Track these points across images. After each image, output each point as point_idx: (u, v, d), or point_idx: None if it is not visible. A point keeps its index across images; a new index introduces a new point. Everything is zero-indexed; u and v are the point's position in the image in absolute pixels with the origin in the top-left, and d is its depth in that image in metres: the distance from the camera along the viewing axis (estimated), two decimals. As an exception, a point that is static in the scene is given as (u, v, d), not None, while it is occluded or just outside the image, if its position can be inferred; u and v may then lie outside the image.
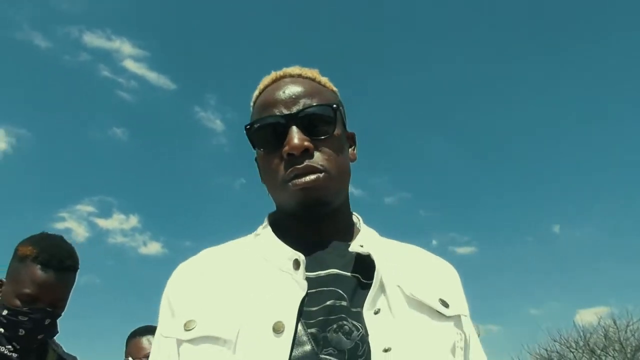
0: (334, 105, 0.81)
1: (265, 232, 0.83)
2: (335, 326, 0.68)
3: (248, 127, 0.83)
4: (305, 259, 0.73)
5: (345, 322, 0.69)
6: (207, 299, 0.73)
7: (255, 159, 0.89)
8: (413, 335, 0.70)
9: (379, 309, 0.71)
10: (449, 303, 0.77)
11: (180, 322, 0.73)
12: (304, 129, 0.79)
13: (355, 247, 0.78)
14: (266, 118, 0.80)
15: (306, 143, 0.78)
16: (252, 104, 0.88)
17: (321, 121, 0.80)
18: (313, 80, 0.85)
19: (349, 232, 0.86)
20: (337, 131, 0.82)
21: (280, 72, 0.86)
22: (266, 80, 0.87)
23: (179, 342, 0.72)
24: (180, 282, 0.80)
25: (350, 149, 0.89)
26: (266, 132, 0.81)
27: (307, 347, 0.65)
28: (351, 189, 0.87)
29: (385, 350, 0.66)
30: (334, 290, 0.72)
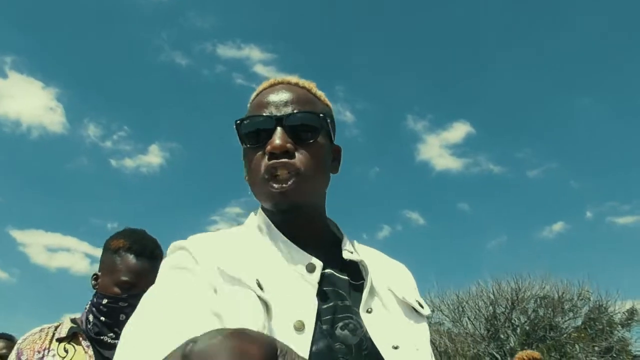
0: (321, 115, 0.87)
1: (271, 230, 0.87)
2: (342, 324, 0.76)
3: (238, 122, 0.87)
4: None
5: (350, 320, 0.77)
6: (232, 289, 0.74)
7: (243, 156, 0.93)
8: (411, 333, 0.81)
9: (372, 309, 0.81)
10: (422, 305, 0.88)
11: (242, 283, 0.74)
12: (289, 132, 0.83)
13: (346, 253, 0.86)
14: (256, 117, 0.85)
15: (288, 145, 0.82)
16: (248, 104, 0.92)
17: (306, 127, 0.85)
18: (308, 90, 0.90)
19: (332, 237, 0.93)
20: (320, 140, 0.87)
21: (278, 79, 0.91)
22: (265, 84, 0.91)
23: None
24: (212, 250, 0.79)
25: (333, 162, 0.94)
26: (254, 130, 0.85)
27: (323, 343, 0.72)
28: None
29: (395, 348, 0.76)
30: (336, 291, 0.81)
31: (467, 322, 17.13)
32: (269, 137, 0.83)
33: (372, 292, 0.83)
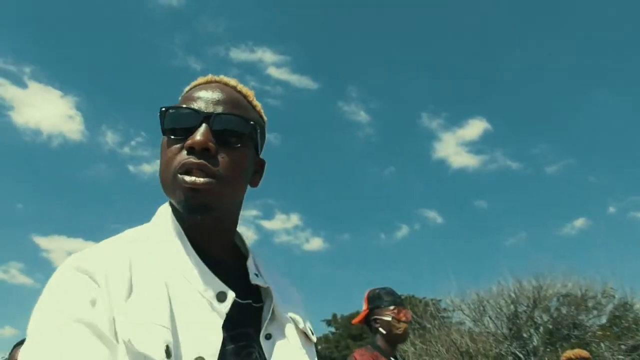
0: (252, 122, 0.82)
1: (183, 241, 0.80)
2: (245, 352, 0.75)
3: (163, 110, 0.81)
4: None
5: (252, 349, 0.76)
6: (135, 307, 0.68)
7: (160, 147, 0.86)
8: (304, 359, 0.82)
9: (271, 335, 0.80)
10: (312, 332, 0.89)
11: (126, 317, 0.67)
12: (213, 132, 0.78)
13: (253, 277, 0.84)
14: (183, 109, 0.80)
15: (210, 144, 0.77)
16: (180, 97, 0.87)
17: (233, 131, 0.81)
18: (244, 97, 0.86)
19: (239, 253, 0.90)
20: (245, 147, 0.82)
21: (216, 77, 0.86)
22: (201, 79, 0.87)
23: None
24: (109, 270, 0.70)
25: (254, 174, 0.90)
26: (177, 122, 0.80)
27: None
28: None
29: None
30: (240, 319, 0.78)
31: (488, 322, 16.96)
32: (191, 133, 0.78)
33: (273, 318, 0.82)
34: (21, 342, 2.76)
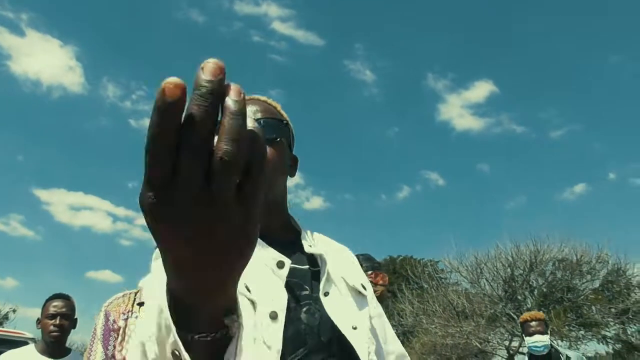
0: (285, 122, 1.03)
1: None
2: (305, 309, 0.91)
3: None
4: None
5: (311, 306, 0.92)
6: None
7: None
8: (362, 315, 0.97)
9: (328, 292, 0.96)
10: (365, 286, 1.05)
11: None
12: None
13: (307, 247, 1.01)
14: None
15: None
16: None
17: (271, 129, 0.98)
18: (274, 107, 1.05)
19: (293, 230, 1.07)
20: (282, 142, 1.01)
21: (250, 96, 1.03)
22: None
23: None
24: None
25: (291, 167, 1.08)
26: None
27: (292, 327, 0.87)
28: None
29: (354, 328, 0.93)
30: (299, 283, 0.94)
31: (485, 284, 17.41)
32: None
33: (329, 279, 0.98)
34: (54, 296, 2.95)
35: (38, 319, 2.99)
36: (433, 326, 16.96)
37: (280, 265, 0.93)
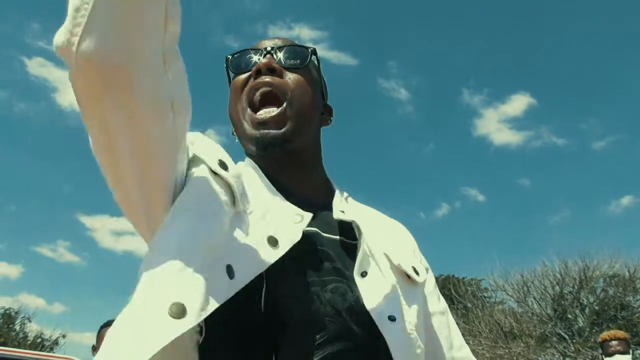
0: (308, 48, 0.87)
1: (261, 177, 0.81)
2: (331, 286, 0.71)
3: (229, 56, 0.87)
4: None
5: (339, 284, 0.72)
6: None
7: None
8: (405, 304, 0.76)
9: (366, 272, 0.75)
10: (418, 271, 0.84)
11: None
12: (277, 61, 0.83)
13: (337, 213, 0.81)
14: (246, 50, 0.86)
15: (274, 64, 0.81)
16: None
17: (295, 54, 0.85)
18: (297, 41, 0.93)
19: (327, 190, 0.88)
20: (308, 69, 0.87)
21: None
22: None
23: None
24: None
25: (322, 115, 0.92)
26: (242, 61, 0.85)
27: (312, 306, 0.68)
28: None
29: (391, 319, 0.71)
30: (326, 251, 0.75)
31: (532, 302, 16.87)
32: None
33: (367, 255, 0.77)
34: (108, 323, 2.84)
35: (93, 346, 2.98)
36: (480, 347, 16.46)
37: (297, 220, 0.74)
